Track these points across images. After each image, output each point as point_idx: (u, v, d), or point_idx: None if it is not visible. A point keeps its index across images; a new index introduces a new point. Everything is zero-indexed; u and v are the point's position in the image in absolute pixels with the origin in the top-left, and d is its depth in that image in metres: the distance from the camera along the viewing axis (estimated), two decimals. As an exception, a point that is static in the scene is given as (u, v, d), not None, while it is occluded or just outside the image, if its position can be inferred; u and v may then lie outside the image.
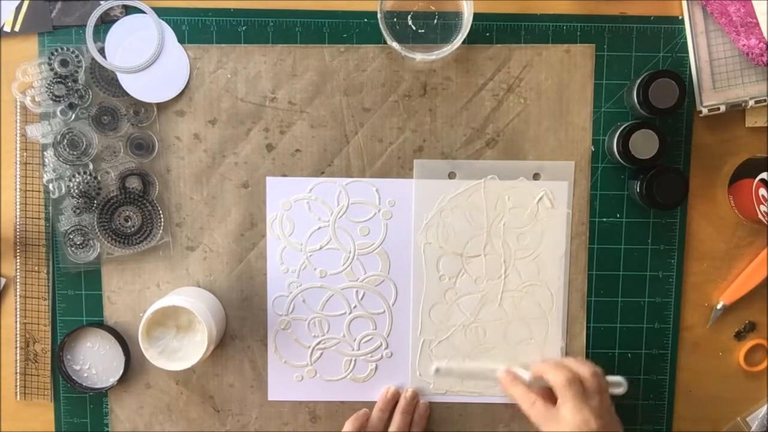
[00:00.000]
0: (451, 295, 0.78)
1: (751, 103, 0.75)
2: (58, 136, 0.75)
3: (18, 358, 0.79)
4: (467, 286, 0.78)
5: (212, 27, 0.76)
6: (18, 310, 0.78)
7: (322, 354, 0.79)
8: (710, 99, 0.75)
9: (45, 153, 0.76)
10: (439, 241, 0.77)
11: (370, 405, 0.79)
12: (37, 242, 0.77)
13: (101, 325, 0.78)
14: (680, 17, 0.76)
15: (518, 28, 0.76)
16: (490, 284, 0.78)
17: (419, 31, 0.75)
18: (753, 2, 0.72)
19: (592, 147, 0.77)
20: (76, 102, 0.75)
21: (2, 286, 0.78)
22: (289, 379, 0.79)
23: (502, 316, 0.78)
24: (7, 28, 0.75)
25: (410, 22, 0.74)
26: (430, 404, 0.79)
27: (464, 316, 0.78)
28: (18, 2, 0.75)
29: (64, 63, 0.75)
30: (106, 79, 0.75)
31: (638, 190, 0.74)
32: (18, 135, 0.76)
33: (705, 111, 0.75)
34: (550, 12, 0.76)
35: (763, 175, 0.72)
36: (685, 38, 0.76)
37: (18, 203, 0.77)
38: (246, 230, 0.77)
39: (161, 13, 0.75)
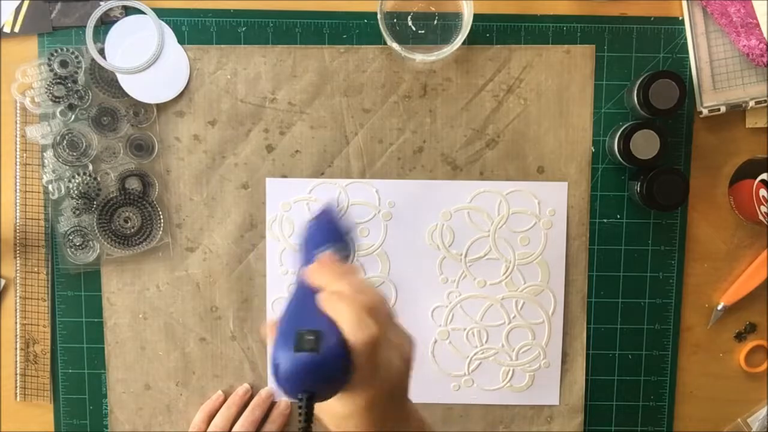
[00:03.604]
0: (453, 297, 0.78)
1: (751, 103, 0.75)
2: (58, 137, 0.75)
3: (18, 359, 0.79)
4: (470, 288, 0.78)
5: (212, 28, 0.76)
6: (18, 311, 0.78)
7: (322, 355, 0.79)
8: (710, 100, 0.75)
9: (44, 154, 0.76)
10: (442, 244, 0.77)
11: (370, 406, 0.79)
12: (37, 243, 0.77)
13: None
14: (680, 18, 0.76)
15: (518, 28, 0.76)
16: (493, 287, 0.78)
17: (419, 31, 0.74)
18: (753, 3, 0.72)
19: (593, 148, 0.77)
20: (75, 103, 0.75)
21: (2, 287, 0.78)
22: (289, 381, 0.79)
23: (505, 320, 0.78)
24: (6, 29, 0.75)
25: (410, 23, 0.74)
26: (426, 405, 0.79)
27: (467, 319, 0.78)
28: (18, 3, 0.75)
29: (63, 64, 0.75)
30: (106, 80, 0.75)
31: (638, 190, 0.74)
32: (18, 136, 0.76)
33: (705, 112, 0.75)
34: (550, 13, 0.76)
35: (764, 176, 0.72)
36: (686, 39, 0.75)
37: (18, 204, 0.77)
38: (246, 231, 0.77)
39: (161, 13, 0.75)
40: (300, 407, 0.46)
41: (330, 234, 0.62)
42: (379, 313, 0.49)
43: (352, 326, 0.48)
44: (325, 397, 0.48)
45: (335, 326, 0.48)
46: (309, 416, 0.46)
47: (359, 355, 0.47)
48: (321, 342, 0.47)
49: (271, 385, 0.77)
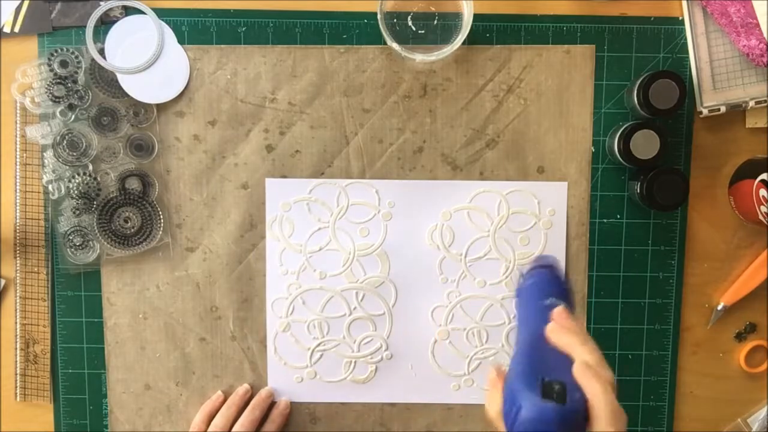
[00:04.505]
0: (453, 297, 0.78)
1: (751, 103, 0.75)
2: (58, 137, 0.75)
3: (18, 359, 0.79)
4: (470, 288, 0.78)
5: (212, 28, 0.76)
6: (18, 311, 0.78)
7: (322, 356, 0.79)
8: (710, 100, 0.75)
9: (44, 154, 0.76)
10: (442, 244, 0.77)
11: (371, 407, 0.79)
12: (37, 243, 0.77)
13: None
14: (680, 18, 0.76)
15: (518, 28, 0.76)
16: (493, 287, 0.78)
17: (419, 31, 0.74)
18: (753, 3, 0.72)
19: (593, 148, 0.77)
20: (75, 103, 0.75)
21: (2, 287, 0.78)
22: (289, 381, 0.79)
23: (505, 320, 0.78)
24: (6, 29, 0.75)
25: (410, 23, 0.74)
26: (426, 405, 0.79)
27: (467, 319, 0.78)
28: (18, 3, 0.75)
29: (63, 64, 0.75)
30: (106, 80, 0.75)
31: (638, 191, 0.74)
32: (18, 136, 0.76)
33: (705, 112, 0.75)
34: (550, 13, 0.76)
35: (764, 176, 0.72)
36: (686, 39, 0.75)
37: (18, 204, 0.77)
38: (246, 231, 0.77)
39: (161, 13, 0.75)
40: None
41: (554, 287, 0.64)
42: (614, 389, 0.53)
43: (607, 414, 0.50)
44: None
45: (575, 381, 0.51)
46: None
47: None
48: (567, 395, 0.50)
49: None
